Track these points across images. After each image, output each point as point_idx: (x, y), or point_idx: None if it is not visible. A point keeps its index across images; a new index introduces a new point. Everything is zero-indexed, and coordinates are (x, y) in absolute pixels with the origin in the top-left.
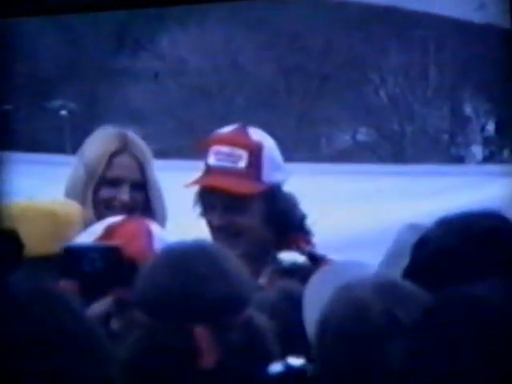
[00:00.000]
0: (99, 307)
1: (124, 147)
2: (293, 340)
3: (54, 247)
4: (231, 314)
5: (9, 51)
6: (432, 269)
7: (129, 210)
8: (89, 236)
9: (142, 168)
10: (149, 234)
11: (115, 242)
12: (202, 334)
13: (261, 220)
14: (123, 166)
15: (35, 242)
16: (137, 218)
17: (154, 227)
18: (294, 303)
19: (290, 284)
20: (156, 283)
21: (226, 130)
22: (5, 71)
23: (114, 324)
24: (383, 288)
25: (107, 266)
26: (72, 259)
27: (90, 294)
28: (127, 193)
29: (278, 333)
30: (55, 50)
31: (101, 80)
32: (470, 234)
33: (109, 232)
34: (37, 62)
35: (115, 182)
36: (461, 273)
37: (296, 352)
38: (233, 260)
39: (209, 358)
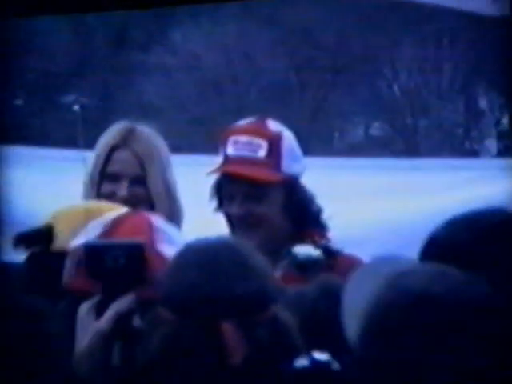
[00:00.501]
0: (121, 305)
1: (124, 142)
2: (334, 337)
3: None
4: (258, 311)
5: (22, 47)
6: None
7: (130, 205)
8: (91, 231)
9: (142, 163)
10: (150, 228)
11: (120, 236)
12: (229, 330)
13: (279, 210)
14: (122, 161)
15: (64, 237)
16: (138, 211)
17: (156, 220)
18: (334, 299)
19: (329, 278)
20: (183, 281)
21: (244, 121)
22: (18, 66)
23: (136, 322)
24: (437, 275)
25: (130, 264)
26: (94, 256)
27: (113, 291)
28: (126, 188)
29: (319, 330)
30: (68, 45)
31: (113, 75)
32: (478, 230)
33: (110, 228)
34: (49, 56)
35: (114, 177)
36: (469, 268)
37: (336, 348)
38: (258, 256)
39: (236, 355)
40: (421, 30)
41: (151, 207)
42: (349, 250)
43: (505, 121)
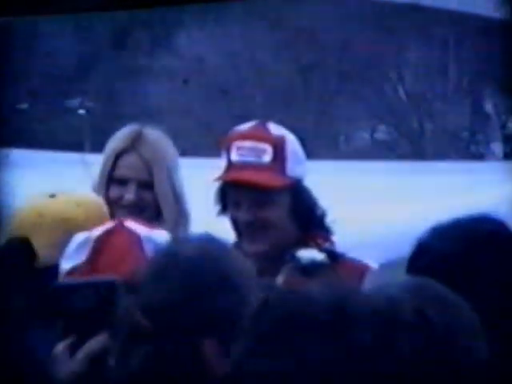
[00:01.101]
0: (93, 346)
1: (131, 146)
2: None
3: None
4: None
5: (27, 50)
6: (433, 275)
7: (138, 209)
8: (78, 253)
9: (149, 168)
10: (139, 243)
11: (110, 257)
12: (211, 346)
13: (286, 215)
14: (129, 165)
15: (47, 252)
16: (122, 225)
17: (142, 229)
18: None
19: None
20: (164, 292)
21: (246, 126)
22: (22, 70)
23: (112, 361)
24: (414, 287)
25: (101, 302)
26: (62, 297)
27: (83, 331)
28: (133, 192)
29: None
30: (72, 49)
31: (118, 79)
32: (470, 239)
33: (98, 249)
34: (54, 60)
35: (122, 181)
36: (461, 279)
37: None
38: (242, 265)
39: (218, 371)
40: (427, 34)
41: (158, 211)
42: (353, 253)
43: (510, 124)
